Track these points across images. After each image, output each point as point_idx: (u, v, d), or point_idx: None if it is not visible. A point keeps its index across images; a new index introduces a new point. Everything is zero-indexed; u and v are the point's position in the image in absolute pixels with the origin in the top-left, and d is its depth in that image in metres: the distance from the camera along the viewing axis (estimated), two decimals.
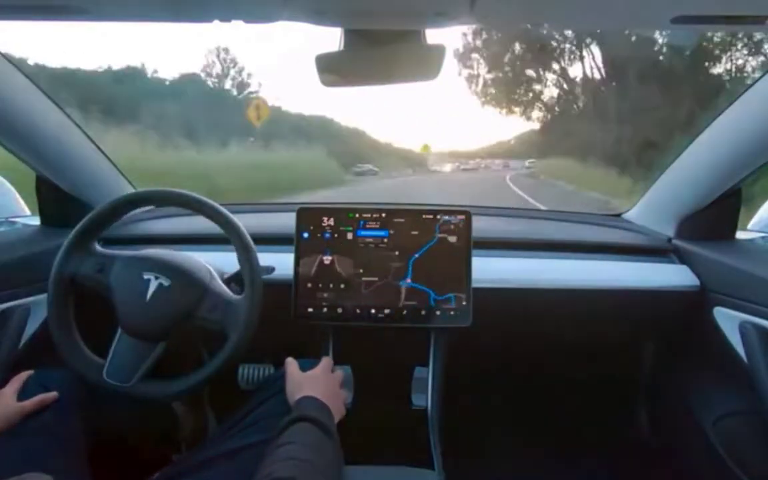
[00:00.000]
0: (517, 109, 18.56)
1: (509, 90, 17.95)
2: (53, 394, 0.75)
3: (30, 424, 0.71)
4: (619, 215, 1.32)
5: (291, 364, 0.79)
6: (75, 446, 0.74)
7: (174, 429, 1.08)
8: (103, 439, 0.83)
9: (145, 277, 0.79)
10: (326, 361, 0.81)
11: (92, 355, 0.81)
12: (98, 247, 0.84)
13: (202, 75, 21.07)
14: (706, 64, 12.31)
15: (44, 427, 0.72)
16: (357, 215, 0.96)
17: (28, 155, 0.97)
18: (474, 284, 0.95)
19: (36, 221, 1.14)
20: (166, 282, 0.79)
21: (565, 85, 16.93)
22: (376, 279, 0.95)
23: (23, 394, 0.74)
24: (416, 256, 0.95)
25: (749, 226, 1.19)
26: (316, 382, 0.74)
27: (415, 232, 0.96)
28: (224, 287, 0.84)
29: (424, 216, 0.96)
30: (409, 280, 0.95)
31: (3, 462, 0.66)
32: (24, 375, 0.77)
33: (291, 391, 0.74)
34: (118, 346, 0.80)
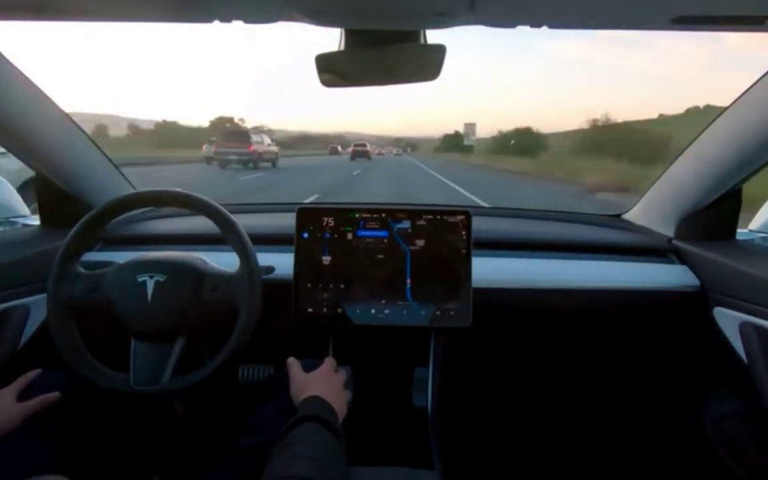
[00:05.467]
0: None
1: None
2: (54, 394, 0.75)
3: (31, 425, 0.71)
4: (618, 215, 1.32)
5: (294, 364, 0.79)
6: (76, 447, 0.74)
7: (175, 429, 1.08)
8: (104, 440, 0.83)
9: (140, 279, 0.79)
10: (329, 362, 0.81)
11: (110, 370, 0.80)
12: (83, 270, 0.83)
13: None
14: None
15: (45, 428, 0.72)
16: (357, 215, 0.96)
17: (27, 155, 0.97)
18: (474, 284, 0.95)
19: (36, 221, 1.14)
20: (162, 278, 0.79)
21: None
22: (375, 279, 0.95)
23: (24, 394, 0.74)
24: (416, 256, 0.95)
25: (750, 227, 1.19)
26: (320, 383, 0.74)
27: (416, 233, 0.96)
28: (220, 267, 0.85)
29: (424, 216, 0.96)
30: (409, 281, 0.95)
31: (4, 463, 0.65)
32: (27, 376, 0.77)
33: (295, 392, 0.74)
34: (137, 354, 0.79)
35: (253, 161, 16.95)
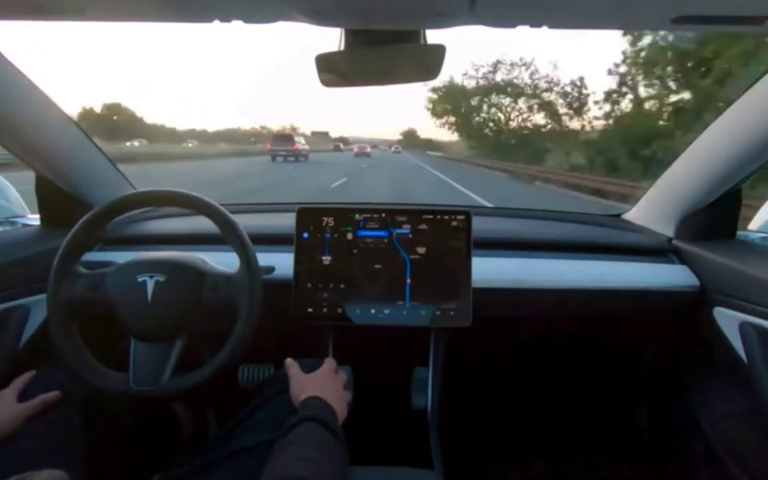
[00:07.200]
0: None
1: None
2: (54, 394, 0.75)
3: (31, 426, 0.71)
4: (618, 215, 1.32)
5: (292, 365, 0.79)
6: (76, 447, 0.74)
7: (175, 429, 1.08)
8: (105, 439, 0.83)
9: (140, 279, 0.79)
10: (330, 363, 0.81)
11: (110, 370, 0.80)
12: (83, 270, 0.83)
13: None
14: None
15: (45, 428, 0.72)
16: (357, 215, 0.96)
17: (28, 155, 0.97)
18: (474, 284, 0.95)
19: (36, 221, 1.14)
20: (162, 278, 0.79)
21: None
22: (375, 279, 0.95)
23: (24, 395, 0.74)
24: (416, 256, 0.95)
25: (749, 227, 1.19)
26: (321, 383, 0.75)
27: (415, 233, 0.96)
28: (220, 267, 0.85)
29: (424, 216, 0.96)
30: (408, 281, 0.95)
31: (4, 464, 0.65)
32: (26, 376, 0.77)
33: (295, 392, 0.74)
34: (136, 354, 0.79)
35: (294, 156, 23.24)
